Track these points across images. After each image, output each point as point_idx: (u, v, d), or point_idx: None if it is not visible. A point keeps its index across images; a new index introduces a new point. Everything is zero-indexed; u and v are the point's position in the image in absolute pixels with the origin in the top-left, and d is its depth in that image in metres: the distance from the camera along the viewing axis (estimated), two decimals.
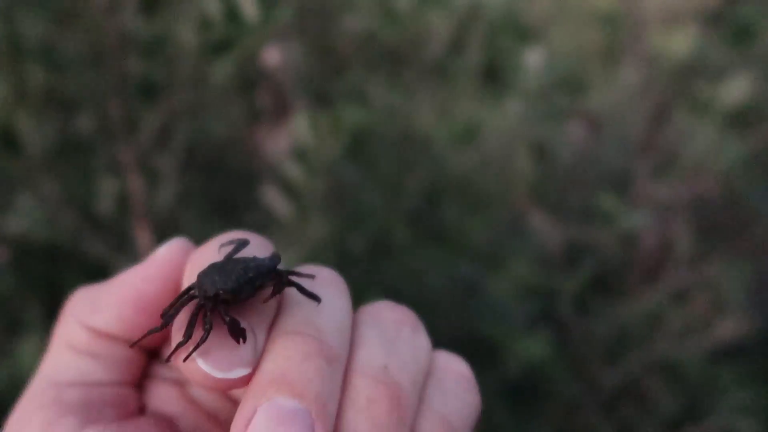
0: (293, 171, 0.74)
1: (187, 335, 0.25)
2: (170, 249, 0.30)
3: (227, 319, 0.25)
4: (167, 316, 0.27)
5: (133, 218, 0.78)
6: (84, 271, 0.79)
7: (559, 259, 0.88)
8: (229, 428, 0.24)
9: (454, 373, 0.29)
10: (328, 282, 0.29)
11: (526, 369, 0.88)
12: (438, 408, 0.27)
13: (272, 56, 0.87)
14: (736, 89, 0.73)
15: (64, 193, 0.76)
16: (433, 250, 0.96)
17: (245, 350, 0.25)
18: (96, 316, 0.29)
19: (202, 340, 0.25)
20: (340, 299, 0.28)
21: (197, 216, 0.82)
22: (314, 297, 0.27)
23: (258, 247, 0.29)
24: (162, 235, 0.81)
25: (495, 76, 0.95)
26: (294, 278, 0.28)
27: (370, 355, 0.27)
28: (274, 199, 0.77)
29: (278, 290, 0.27)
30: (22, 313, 0.75)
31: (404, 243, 0.96)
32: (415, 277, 0.97)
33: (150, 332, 0.27)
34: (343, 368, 0.26)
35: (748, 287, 0.85)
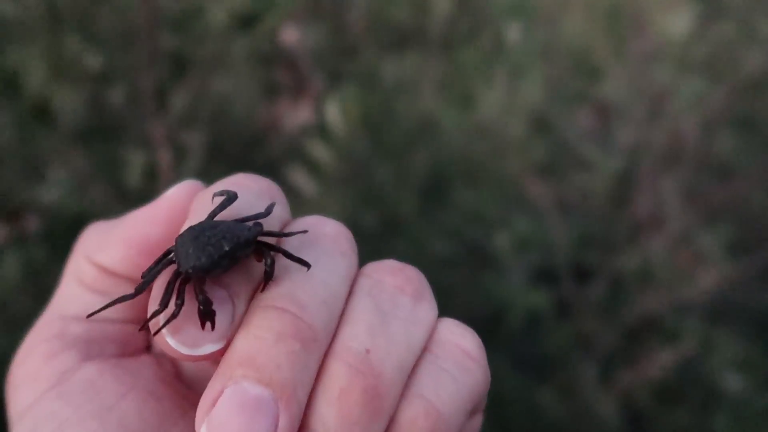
0: (320, 151, 0.78)
1: (163, 304, 0.24)
2: (178, 191, 0.29)
3: (200, 297, 0.24)
4: (142, 282, 0.26)
5: (161, 191, 0.81)
6: None
7: (556, 220, 0.94)
8: None
9: (457, 349, 0.26)
10: (329, 240, 0.27)
11: (528, 324, 0.94)
12: (427, 393, 0.25)
13: (290, 35, 0.91)
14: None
15: (94, 165, 0.79)
16: (439, 217, 1.00)
17: (217, 324, 0.24)
18: (102, 253, 0.29)
19: (173, 316, 0.24)
20: (337, 262, 0.26)
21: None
22: (303, 262, 0.25)
23: (249, 204, 0.27)
24: None
25: (496, 53, 1.01)
26: (282, 243, 0.26)
27: (354, 335, 0.25)
28: (298, 177, 0.81)
29: (263, 260, 0.25)
30: (53, 283, 0.78)
31: (412, 217, 1.00)
32: (422, 246, 1.01)
33: (123, 298, 0.26)
34: (323, 349, 0.24)
35: (729, 243, 0.92)
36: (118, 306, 0.28)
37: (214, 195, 0.27)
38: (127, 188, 0.80)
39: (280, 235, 0.26)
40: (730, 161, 0.99)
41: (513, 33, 0.94)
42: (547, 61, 0.91)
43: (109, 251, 0.28)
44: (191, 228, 0.25)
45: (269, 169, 0.91)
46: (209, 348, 0.24)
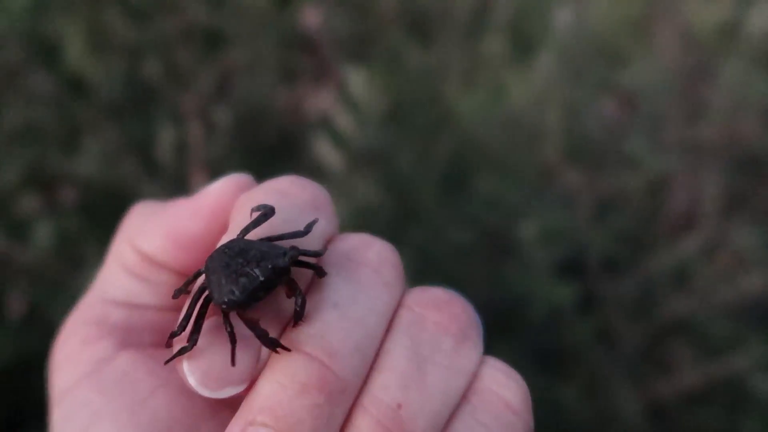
0: (344, 121, 0.78)
1: (181, 327, 0.23)
2: (223, 186, 0.28)
3: (228, 329, 0.22)
4: (176, 292, 0.25)
5: (190, 165, 0.82)
6: None
7: (588, 213, 0.92)
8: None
9: (499, 401, 0.24)
10: (371, 269, 0.25)
11: (551, 318, 0.92)
12: None
13: (313, 18, 0.91)
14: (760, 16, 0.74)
15: (126, 139, 0.80)
16: (460, 205, 0.99)
17: (239, 365, 0.22)
18: (143, 239, 0.28)
19: (188, 348, 0.23)
20: (377, 296, 0.24)
21: (248, 165, 0.87)
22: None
23: (288, 218, 0.25)
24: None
25: (522, 41, 0.99)
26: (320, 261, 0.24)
27: (386, 385, 0.23)
28: (324, 150, 0.81)
29: (294, 296, 0.23)
30: (86, 252, 0.80)
31: (433, 204, 1.00)
32: (441, 234, 1.00)
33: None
34: (351, 400, 0.23)
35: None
36: (158, 293, 0.28)
37: (252, 210, 0.25)
38: (157, 162, 0.81)
39: (315, 266, 0.24)
40: None
41: (563, 18, 0.92)
42: (576, 48, 0.89)
43: (149, 239, 0.28)
44: (222, 251, 0.24)
45: (293, 148, 0.92)
46: (230, 391, 0.23)
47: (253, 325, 0.22)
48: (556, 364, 1.02)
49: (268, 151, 0.92)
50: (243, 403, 0.23)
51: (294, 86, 0.95)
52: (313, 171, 0.87)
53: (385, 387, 0.23)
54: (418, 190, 0.99)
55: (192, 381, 0.23)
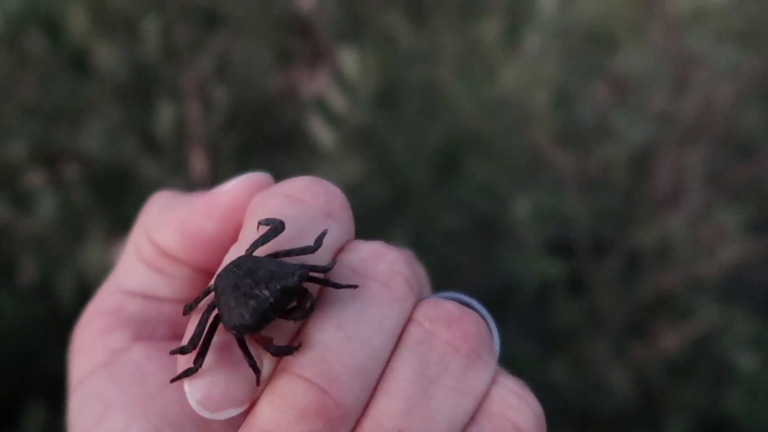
0: (338, 101, 0.81)
1: (192, 344, 0.23)
2: (238, 186, 0.27)
3: (244, 354, 0.22)
4: (186, 308, 0.24)
5: (188, 143, 0.85)
6: (143, 192, 0.86)
7: (575, 190, 0.95)
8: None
9: (509, 425, 0.23)
10: (381, 283, 0.24)
11: (539, 296, 0.95)
12: None
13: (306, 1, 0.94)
14: None
15: (127, 117, 0.83)
16: (451, 189, 1.02)
17: (240, 387, 0.22)
18: (158, 232, 0.28)
19: (193, 370, 0.22)
20: (385, 313, 0.23)
21: (243, 144, 0.90)
22: (350, 287, 0.23)
23: (299, 232, 0.25)
24: (214, 160, 0.89)
25: (515, 24, 1.01)
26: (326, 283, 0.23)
27: (388, 410, 0.22)
28: (318, 129, 0.84)
29: (304, 303, 0.22)
30: (89, 226, 0.83)
31: (424, 189, 1.02)
32: (433, 219, 1.02)
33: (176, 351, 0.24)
34: (352, 424, 0.22)
35: (749, 221, 0.91)
36: (175, 285, 0.28)
37: (260, 223, 0.25)
38: (157, 140, 0.85)
39: (325, 281, 0.23)
40: (754, 138, 0.98)
41: (547, 2, 0.94)
42: (564, 32, 0.91)
43: (164, 234, 0.28)
44: (231, 270, 0.23)
45: (288, 128, 0.95)
46: (230, 413, 0.23)
47: (267, 345, 0.22)
48: (546, 341, 1.05)
49: (264, 131, 0.95)
50: (243, 425, 0.23)
51: (289, 69, 0.98)
52: (308, 150, 0.89)
53: (387, 412, 0.22)
54: (410, 172, 1.01)
55: (192, 401, 0.23)
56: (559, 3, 0.91)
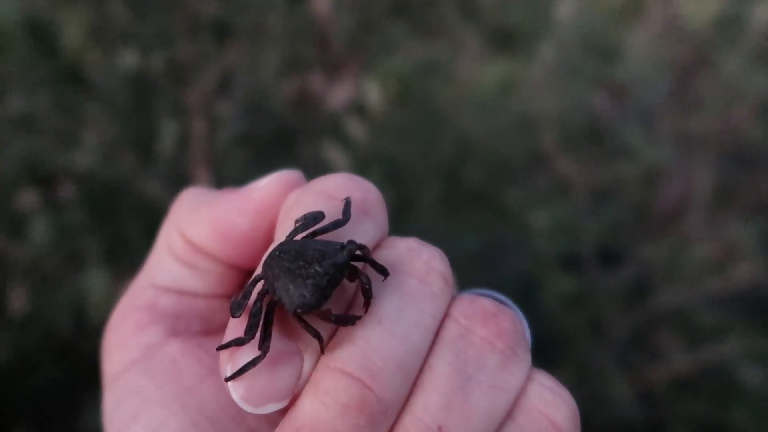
0: (355, 128, 0.77)
1: (250, 335, 0.23)
2: (271, 184, 0.27)
3: (308, 329, 0.22)
4: (235, 306, 0.24)
5: (192, 159, 0.81)
6: (142, 210, 0.82)
7: (584, 203, 0.93)
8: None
9: (545, 421, 0.23)
10: (419, 279, 0.24)
11: (545, 307, 0.94)
12: None
13: (322, 7, 0.89)
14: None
15: (126, 132, 0.78)
16: (463, 212, 0.99)
17: (281, 382, 0.22)
18: (191, 228, 0.28)
19: (261, 357, 0.22)
20: (424, 309, 0.23)
21: (254, 160, 0.85)
22: (383, 272, 0.23)
23: (332, 233, 0.25)
24: (220, 176, 0.84)
25: (508, 37, 0.99)
26: (368, 267, 0.24)
27: (427, 406, 0.22)
28: (333, 155, 0.81)
29: (357, 280, 0.23)
30: (86, 247, 0.78)
31: (433, 203, 0.99)
32: (443, 236, 1.00)
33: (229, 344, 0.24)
34: (393, 419, 0.22)
35: (759, 238, 0.91)
36: (207, 281, 0.28)
37: (297, 222, 0.25)
38: (157, 157, 0.80)
39: (364, 258, 0.24)
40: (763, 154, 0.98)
41: (565, 10, 0.92)
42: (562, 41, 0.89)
43: (197, 229, 0.28)
44: (278, 256, 0.23)
45: (304, 143, 0.91)
46: (272, 408, 0.23)
47: (328, 318, 0.22)
48: (549, 351, 1.04)
49: (273, 145, 0.90)
50: (285, 418, 0.23)
51: (304, 79, 0.93)
52: (318, 165, 0.86)
53: (426, 407, 0.22)
54: (419, 192, 0.98)
55: (236, 396, 0.23)
56: (575, 13, 0.88)
